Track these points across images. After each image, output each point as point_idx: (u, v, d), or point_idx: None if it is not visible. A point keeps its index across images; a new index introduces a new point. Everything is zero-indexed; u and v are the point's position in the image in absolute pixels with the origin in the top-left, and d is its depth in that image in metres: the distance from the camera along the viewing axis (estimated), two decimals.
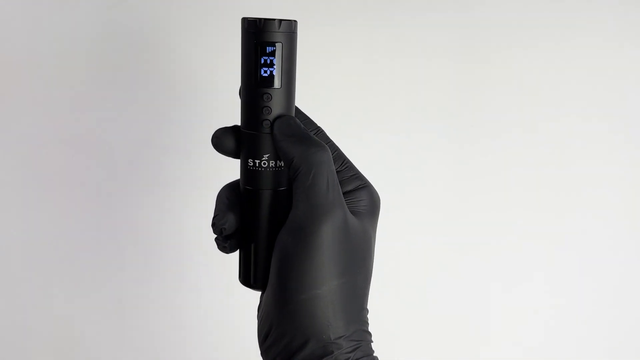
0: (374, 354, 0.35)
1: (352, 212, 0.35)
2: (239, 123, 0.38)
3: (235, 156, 0.37)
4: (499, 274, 0.63)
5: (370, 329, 0.36)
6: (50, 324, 0.63)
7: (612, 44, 0.59)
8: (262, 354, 0.35)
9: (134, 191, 0.60)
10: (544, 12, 0.58)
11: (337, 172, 0.37)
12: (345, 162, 0.38)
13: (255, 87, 0.35)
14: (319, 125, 0.39)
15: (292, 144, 0.34)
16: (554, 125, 0.60)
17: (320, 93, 0.57)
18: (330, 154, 0.34)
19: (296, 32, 0.35)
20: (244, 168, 0.36)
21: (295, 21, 0.35)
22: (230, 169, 0.42)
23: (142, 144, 0.59)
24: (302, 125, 0.35)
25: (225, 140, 0.36)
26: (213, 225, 0.36)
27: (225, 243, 0.36)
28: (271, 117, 0.35)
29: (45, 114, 0.58)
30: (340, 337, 0.33)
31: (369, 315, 0.36)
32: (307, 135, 0.34)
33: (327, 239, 0.32)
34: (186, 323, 0.63)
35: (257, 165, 0.36)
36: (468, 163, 0.61)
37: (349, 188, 0.37)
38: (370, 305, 0.36)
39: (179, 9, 0.56)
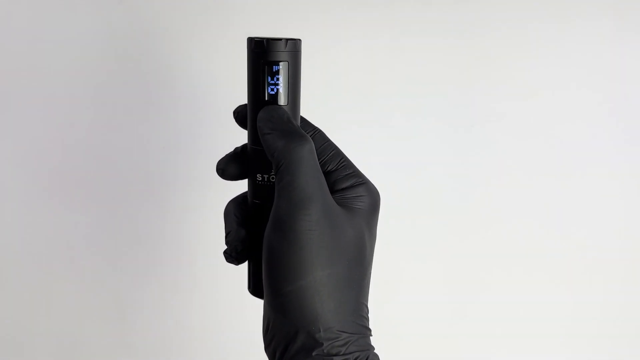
0: (374, 351, 0.34)
1: (347, 208, 0.35)
2: (237, 124, 0.39)
3: (242, 178, 0.38)
4: (501, 274, 0.63)
5: (377, 330, 0.36)
6: (50, 324, 0.63)
7: (613, 40, 0.59)
8: (265, 349, 0.35)
9: (135, 192, 0.60)
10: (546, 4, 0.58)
11: (333, 170, 0.37)
12: (342, 160, 0.38)
13: (262, 104, 0.36)
14: (316, 126, 0.39)
15: (274, 138, 0.34)
16: (555, 124, 0.60)
17: (317, 90, 0.58)
18: (313, 145, 0.34)
19: (300, 51, 0.36)
20: (253, 182, 0.37)
21: (299, 40, 0.36)
22: None
23: (143, 144, 0.59)
24: (285, 115, 0.35)
25: (230, 169, 0.38)
26: (227, 243, 0.37)
27: (235, 257, 0.37)
28: None
29: (46, 115, 0.58)
30: (329, 329, 0.32)
31: (370, 315, 0.36)
32: (288, 128, 0.34)
33: (306, 231, 0.32)
34: (189, 325, 0.63)
35: (265, 179, 0.37)
36: (469, 161, 0.60)
37: (345, 185, 0.37)
38: (373, 305, 0.36)
39: (179, 10, 0.56)
